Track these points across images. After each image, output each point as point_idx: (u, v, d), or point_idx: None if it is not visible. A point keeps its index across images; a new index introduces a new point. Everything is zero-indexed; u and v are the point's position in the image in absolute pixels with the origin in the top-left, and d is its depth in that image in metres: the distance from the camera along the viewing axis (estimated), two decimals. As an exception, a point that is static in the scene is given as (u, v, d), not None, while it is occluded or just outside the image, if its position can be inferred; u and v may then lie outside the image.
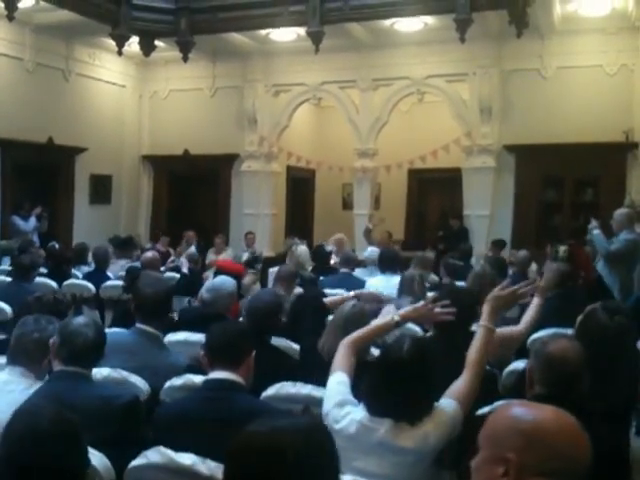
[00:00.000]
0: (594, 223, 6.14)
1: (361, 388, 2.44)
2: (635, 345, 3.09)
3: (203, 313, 4.14)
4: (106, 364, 3.00)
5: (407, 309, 3.05)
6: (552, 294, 4.35)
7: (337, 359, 2.66)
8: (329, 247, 7.88)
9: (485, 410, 2.50)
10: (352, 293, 4.57)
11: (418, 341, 2.50)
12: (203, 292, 4.25)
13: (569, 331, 3.02)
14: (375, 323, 2.89)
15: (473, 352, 2.60)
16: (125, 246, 7.97)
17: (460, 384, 2.48)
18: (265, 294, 3.67)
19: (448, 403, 2.39)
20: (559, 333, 2.76)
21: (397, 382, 2.31)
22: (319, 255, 7.20)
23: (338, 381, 2.53)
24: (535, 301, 3.64)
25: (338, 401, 2.42)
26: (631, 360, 2.97)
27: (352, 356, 2.67)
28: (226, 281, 4.30)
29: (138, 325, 3.51)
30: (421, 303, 3.15)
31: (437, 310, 3.03)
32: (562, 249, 6.29)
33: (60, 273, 6.37)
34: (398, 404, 2.29)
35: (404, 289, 4.56)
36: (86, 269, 6.89)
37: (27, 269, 5.54)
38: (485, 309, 2.78)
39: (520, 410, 1.41)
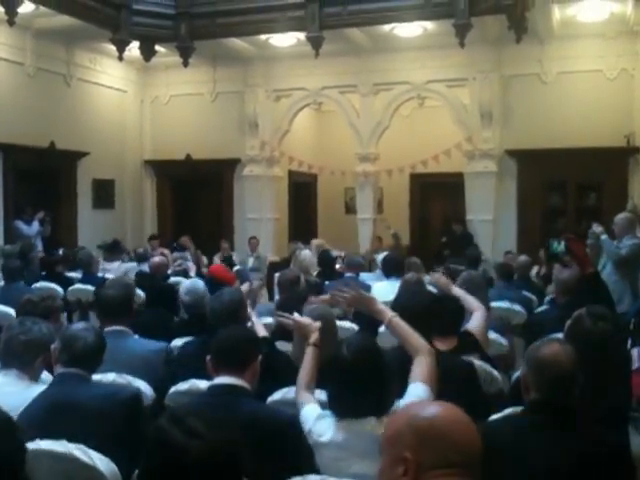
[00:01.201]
0: (600, 228, 6.12)
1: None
2: (623, 349, 3.11)
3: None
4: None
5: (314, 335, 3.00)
6: (564, 301, 4.35)
7: (299, 399, 2.66)
8: (335, 253, 7.90)
9: (495, 417, 2.51)
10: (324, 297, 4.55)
11: (358, 341, 2.55)
12: (182, 294, 4.32)
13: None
14: (304, 363, 2.85)
15: (410, 339, 2.68)
16: (113, 249, 8.41)
17: (421, 368, 2.52)
18: (225, 293, 3.65)
19: (418, 387, 2.43)
20: (551, 337, 2.77)
21: (347, 385, 2.36)
22: (325, 260, 7.15)
23: (310, 408, 2.54)
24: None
25: (316, 416, 2.45)
26: (620, 364, 2.99)
27: (310, 392, 2.69)
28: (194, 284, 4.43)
29: (106, 329, 3.54)
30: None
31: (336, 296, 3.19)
32: (556, 243, 6.25)
33: (55, 276, 6.47)
34: (353, 404, 2.33)
35: (402, 292, 4.52)
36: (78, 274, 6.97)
37: (14, 271, 5.70)
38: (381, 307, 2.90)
39: (413, 409, 1.45)
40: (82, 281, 6.48)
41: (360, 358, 2.38)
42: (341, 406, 2.39)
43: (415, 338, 2.68)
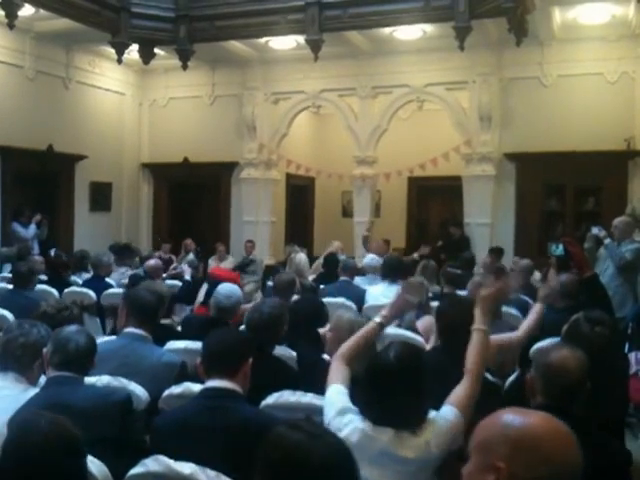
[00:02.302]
0: (604, 232, 6.08)
1: (359, 399, 2.42)
2: (620, 354, 3.09)
3: (206, 321, 4.13)
4: (99, 372, 3.01)
5: (385, 308, 3.01)
6: (562, 306, 4.32)
7: (331, 373, 2.63)
8: (342, 255, 7.86)
9: None
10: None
11: (405, 347, 2.45)
12: (221, 299, 4.16)
13: None
14: (360, 331, 2.84)
15: (471, 357, 2.58)
16: (124, 253, 7.92)
17: (460, 390, 2.45)
18: (266, 305, 3.59)
19: (448, 410, 2.36)
20: (560, 342, 2.74)
21: (385, 390, 2.29)
22: (330, 263, 7.02)
23: (337, 391, 2.49)
24: (535, 308, 3.62)
25: (339, 409, 2.38)
26: (618, 369, 2.97)
27: (345, 367, 2.64)
28: (235, 289, 4.31)
29: (128, 329, 3.54)
30: (394, 298, 3.15)
31: (407, 297, 3.10)
32: (554, 246, 6.23)
33: (59, 280, 6.36)
34: (390, 413, 2.27)
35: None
36: (87, 276, 6.86)
37: (25, 276, 5.53)
38: (476, 312, 2.75)
39: (509, 417, 1.40)
40: (87, 284, 6.38)
41: (405, 367, 2.31)
42: (367, 408, 2.33)
43: (475, 357, 2.59)
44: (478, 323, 2.70)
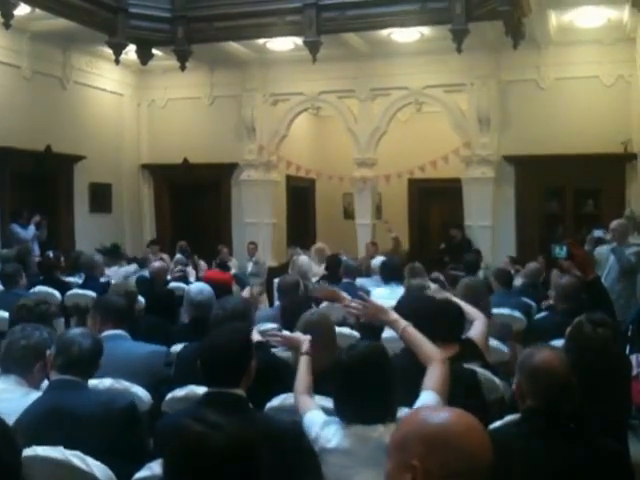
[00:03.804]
0: (610, 235, 6.07)
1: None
2: (623, 355, 3.10)
3: (188, 323, 4.22)
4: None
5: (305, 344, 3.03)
6: (564, 308, 4.32)
7: (300, 406, 2.64)
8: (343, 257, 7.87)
9: (495, 425, 2.49)
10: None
11: (361, 345, 2.53)
12: (192, 296, 4.28)
13: None
14: (301, 367, 2.87)
15: (425, 346, 2.69)
16: (112, 254, 8.37)
17: (433, 376, 2.51)
18: (229, 302, 3.64)
19: (430, 395, 2.41)
20: (544, 344, 2.76)
21: (348, 388, 2.36)
22: (333, 265, 6.96)
23: (314, 414, 2.52)
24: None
25: (322, 423, 2.44)
26: (620, 371, 2.98)
27: (310, 396, 2.69)
28: (203, 285, 4.46)
29: (106, 333, 3.57)
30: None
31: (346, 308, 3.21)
32: (558, 248, 6.23)
33: (53, 280, 6.41)
34: (359, 408, 2.32)
35: (407, 299, 4.46)
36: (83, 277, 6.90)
37: (12, 276, 5.68)
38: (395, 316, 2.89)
39: (423, 415, 1.42)
40: (83, 285, 6.41)
41: (360, 363, 2.38)
42: (346, 412, 2.38)
43: (429, 347, 2.69)
44: (401, 324, 2.84)
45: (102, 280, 6.64)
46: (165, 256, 9.21)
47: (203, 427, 1.56)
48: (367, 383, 2.33)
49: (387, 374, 2.39)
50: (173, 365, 3.60)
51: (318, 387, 2.71)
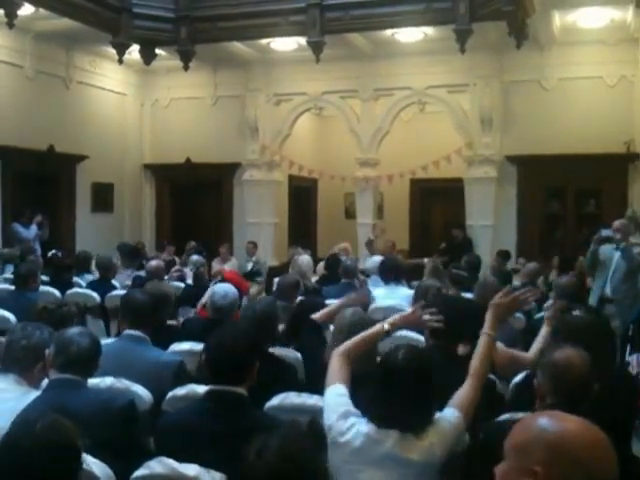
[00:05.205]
0: (619, 235, 6.02)
1: (362, 399, 2.41)
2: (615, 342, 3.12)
3: (208, 323, 4.13)
4: (96, 374, 2.98)
5: (395, 317, 3.01)
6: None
7: (332, 371, 2.61)
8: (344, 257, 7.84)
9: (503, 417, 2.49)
10: (338, 301, 4.34)
11: (414, 349, 2.47)
12: (217, 299, 4.14)
13: None
14: (365, 332, 2.84)
15: (476, 361, 2.60)
16: (132, 255, 7.76)
17: (462, 393, 2.47)
18: (259, 304, 3.60)
19: (450, 413, 2.37)
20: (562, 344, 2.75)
21: (395, 391, 2.29)
22: (333, 265, 6.92)
23: (338, 393, 2.48)
24: (543, 331, 3.58)
25: (341, 413, 2.37)
26: (621, 368, 2.97)
27: (346, 366, 2.63)
28: (230, 288, 4.30)
29: (126, 331, 3.53)
30: (409, 310, 3.16)
31: (425, 317, 3.03)
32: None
33: (61, 281, 6.29)
34: (398, 413, 2.27)
35: (418, 300, 4.31)
36: (90, 277, 6.81)
37: (25, 278, 5.51)
38: (487, 317, 2.77)
39: (546, 421, 1.40)
40: (91, 285, 6.33)
41: (416, 368, 2.31)
42: (373, 407, 2.33)
43: (480, 361, 2.60)
44: (487, 328, 2.73)
45: (112, 282, 6.47)
46: (176, 258, 9.23)
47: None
48: (417, 388, 2.28)
49: (431, 382, 2.33)
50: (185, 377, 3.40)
51: (358, 389, 2.57)
